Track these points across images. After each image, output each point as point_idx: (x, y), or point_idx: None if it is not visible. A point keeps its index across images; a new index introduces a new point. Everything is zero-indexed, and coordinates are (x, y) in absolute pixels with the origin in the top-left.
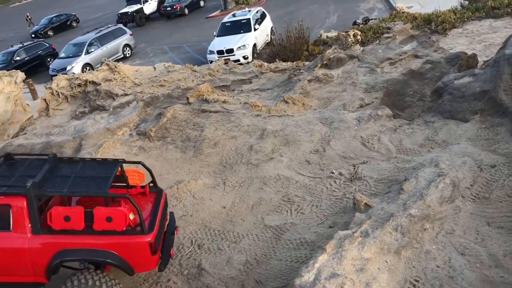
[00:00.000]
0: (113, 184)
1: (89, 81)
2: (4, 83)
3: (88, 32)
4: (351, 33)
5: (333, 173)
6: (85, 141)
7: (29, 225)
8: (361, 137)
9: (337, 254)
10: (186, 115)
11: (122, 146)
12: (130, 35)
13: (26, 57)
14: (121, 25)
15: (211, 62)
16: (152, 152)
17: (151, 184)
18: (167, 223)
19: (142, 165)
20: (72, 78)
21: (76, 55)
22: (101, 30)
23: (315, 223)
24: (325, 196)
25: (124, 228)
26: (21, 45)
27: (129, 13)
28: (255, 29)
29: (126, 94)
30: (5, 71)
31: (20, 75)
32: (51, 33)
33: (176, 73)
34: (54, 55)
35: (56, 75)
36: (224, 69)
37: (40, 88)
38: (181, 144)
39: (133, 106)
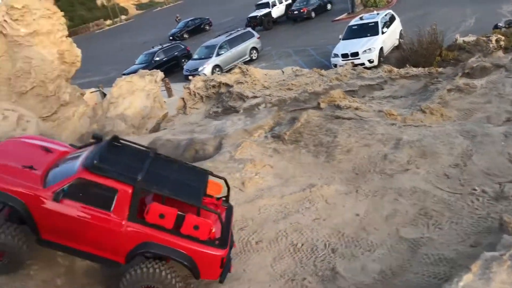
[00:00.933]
0: None
1: (223, 83)
2: (146, 81)
3: (219, 35)
4: (493, 38)
5: (475, 189)
6: (225, 140)
7: (128, 212)
8: (509, 153)
9: (484, 276)
10: (319, 121)
11: (258, 147)
12: (258, 38)
13: (164, 58)
14: (249, 29)
15: (335, 65)
16: (285, 155)
17: (224, 199)
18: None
19: (225, 181)
20: (207, 80)
21: (208, 57)
22: (231, 34)
23: (455, 240)
24: (466, 213)
25: (206, 239)
26: (160, 46)
27: (257, 17)
28: (382, 32)
29: (255, 97)
30: (147, 71)
31: (160, 74)
32: (186, 36)
33: (304, 77)
34: (188, 56)
35: (189, 75)
36: (352, 73)
37: (175, 87)
38: (314, 149)
39: (268, 110)
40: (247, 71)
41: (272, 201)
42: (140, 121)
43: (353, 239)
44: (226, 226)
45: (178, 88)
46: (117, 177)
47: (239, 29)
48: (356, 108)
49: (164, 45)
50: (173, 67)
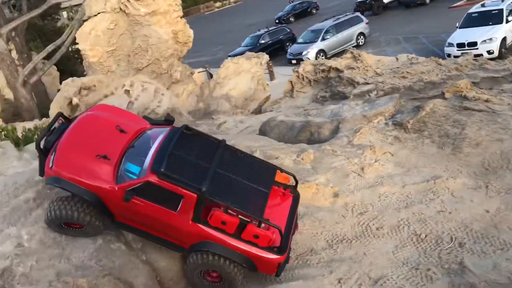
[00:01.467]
0: None
1: (333, 68)
2: (252, 63)
3: (326, 20)
4: None
5: None
6: (342, 125)
7: (192, 215)
8: None
9: None
10: (446, 111)
11: (378, 133)
12: (366, 23)
13: (269, 41)
14: (358, 13)
15: (449, 55)
16: (407, 144)
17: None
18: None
19: (294, 177)
20: (317, 64)
21: (313, 41)
22: (338, 18)
23: None
24: None
25: (265, 246)
26: (266, 29)
27: (367, 1)
28: (507, 21)
29: (367, 83)
30: (253, 53)
31: (266, 57)
32: (292, 19)
33: (420, 65)
34: (293, 40)
35: (292, 59)
36: (473, 64)
37: (278, 70)
38: (438, 140)
39: (389, 97)
40: (359, 56)
41: (393, 189)
42: (243, 102)
43: (482, 236)
44: (288, 221)
45: (281, 71)
46: (183, 186)
47: (347, 13)
48: (487, 100)
49: (270, 28)
50: (277, 50)
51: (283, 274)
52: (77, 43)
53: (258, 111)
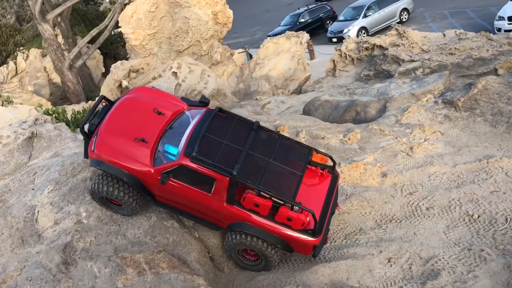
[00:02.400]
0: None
1: (377, 45)
2: (291, 43)
3: None
4: None
5: None
6: (389, 104)
7: (226, 196)
8: None
9: None
10: (500, 88)
11: (426, 112)
12: None
13: (309, 19)
14: None
15: (499, 29)
16: (457, 122)
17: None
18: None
19: (331, 158)
20: (360, 42)
21: (354, 18)
22: None
23: None
24: None
25: (299, 228)
26: (306, 8)
27: None
28: None
29: (412, 61)
30: (293, 32)
31: (306, 36)
32: None
33: (469, 41)
34: (334, 18)
35: (333, 37)
36: None
37: (318, 49)
38: (491, 118)
39: (438, 74)
40: (404, 33)
41: (443, 169)
42: (283, 83)
43: None
44: (326, 202)
45: (321, 50)
46: (215, 169)
47: None
48: None
49: (310, 6)
50: (317, 29)
51: (332, 253)
52: (120, 27)
53: (299, 91)
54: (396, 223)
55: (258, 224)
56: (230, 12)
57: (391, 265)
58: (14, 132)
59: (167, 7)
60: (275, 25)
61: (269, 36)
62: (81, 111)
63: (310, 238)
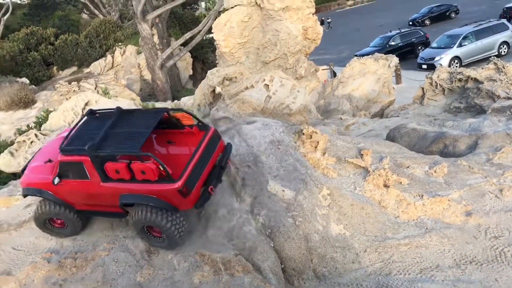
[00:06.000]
0: (168, 128)
1: (471, 78)
2: (379, 65)
3: (466, 25)
4: None
5: None
6: (481, 141)
7: (98, 176)
8: None
9: None
10: None
11: None
12: None
13: (399, 43)
14: (504, 20)
15: None
16: None
17: (200, 124)
18: (219, 156)
19: (182, 110)
20: (454, 72)
21: (448, 46)
22: (480, 24)
23: None
24: None
25: (157, 178)
26: (398, 31)
27: None
28: None
29: (509, 98)
30: (382, 54)
31: (395, 60)
32: (428, 22)
33: None
34: (426, 44)
35: (423, 64)
36: None
37: (405, 74)
38: None
39: None
40: (504, 68)
41: None
42: (365, 104)
43: None
44: (193, 153)
45: (408, 75)
46: (75, 152)
47: (491, 20)
48: None
49: (402, 30)
50: (407, 54)
51: (405, 285)
52: (212, 33)
53: (380, 114)
54: (477, 266)
55: (128, 190)
56: (320, 29)
57: None
58: None
59: (259, 19)
60: (364, 45)
61: (356, 55)
62: None
63: (171, 185)
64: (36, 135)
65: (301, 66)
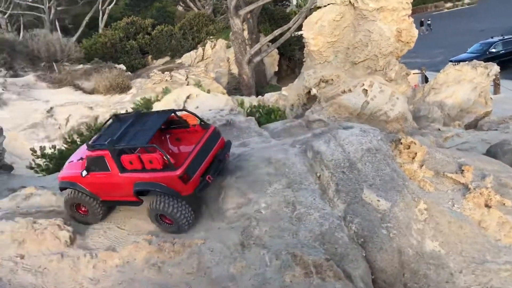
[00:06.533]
0: (174, 128)
1: None
2: (477, 73)
3: None
4: None
5: None
6: None
7: (117, 167)
8: None
9: None
10: None
11: None
12: None
13: (501, 50)
14: None
15: None
16: None
17: (202, 123)
18: (218, 151)
19: (186, 111)
20: None
21: None
22: None
23: None
24: None
25: (162, 167)
26: (501, 37)
27: None
28: None
29: None
30: (481, 62)
31: (495, 68)
32: None
33: None
34: None
35: None
36: None
37: (504, 84)
38: None
39: None
40: None
41: None
42: (457, 113)
43: None
44: (194, 146)
45: (508, 86)
46: (99, 148)
47: None
48: None
49: (506, 37)
50: (509, 62)
51: None
52: (301, 31)
53: (474, 125)
54: None
55: (140, 178)
56: (415, 32)
57: None
58: (214, 117)
59: (352, 18)
60: (460, 50)
61: (451, 61)
62: (256, 105)
63: (172, 172)
64: None
65: (391, 68)
